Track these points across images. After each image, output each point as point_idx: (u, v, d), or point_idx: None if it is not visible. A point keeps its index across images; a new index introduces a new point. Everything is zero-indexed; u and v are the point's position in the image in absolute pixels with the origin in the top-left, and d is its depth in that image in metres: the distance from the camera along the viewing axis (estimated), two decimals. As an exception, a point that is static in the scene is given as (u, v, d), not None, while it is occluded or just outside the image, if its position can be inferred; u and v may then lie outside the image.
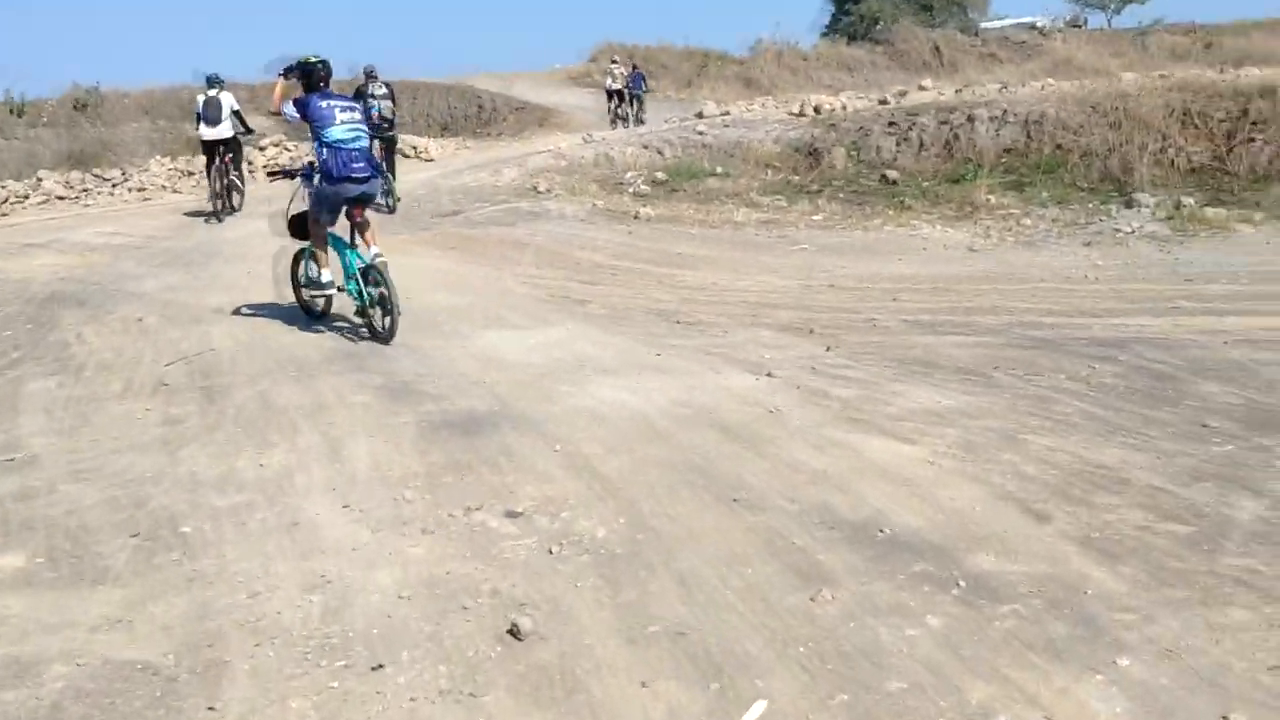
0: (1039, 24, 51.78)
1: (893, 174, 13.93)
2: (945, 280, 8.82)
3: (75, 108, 24.73)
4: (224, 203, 14.38)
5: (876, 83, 44.76)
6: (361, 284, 7.60)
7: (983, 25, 52.78)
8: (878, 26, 50.32)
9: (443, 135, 30.39)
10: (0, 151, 22.88)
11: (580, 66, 41.32)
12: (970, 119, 14.22)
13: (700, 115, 27.45)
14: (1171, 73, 20.37)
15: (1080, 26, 51.94)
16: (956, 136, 14.25)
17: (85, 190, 20.63)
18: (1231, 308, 6.96)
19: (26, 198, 19.95)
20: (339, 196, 7.40)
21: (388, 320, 7.44)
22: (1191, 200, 10.57)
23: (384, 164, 14.54)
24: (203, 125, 14.05)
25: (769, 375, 6.12)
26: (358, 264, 7.68)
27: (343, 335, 7.68)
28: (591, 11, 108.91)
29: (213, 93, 14.09)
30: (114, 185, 20.89)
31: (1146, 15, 55.98)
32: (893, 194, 13.22)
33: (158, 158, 22.79)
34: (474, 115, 33.47)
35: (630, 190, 14.74)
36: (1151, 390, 5.38)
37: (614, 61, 27.84)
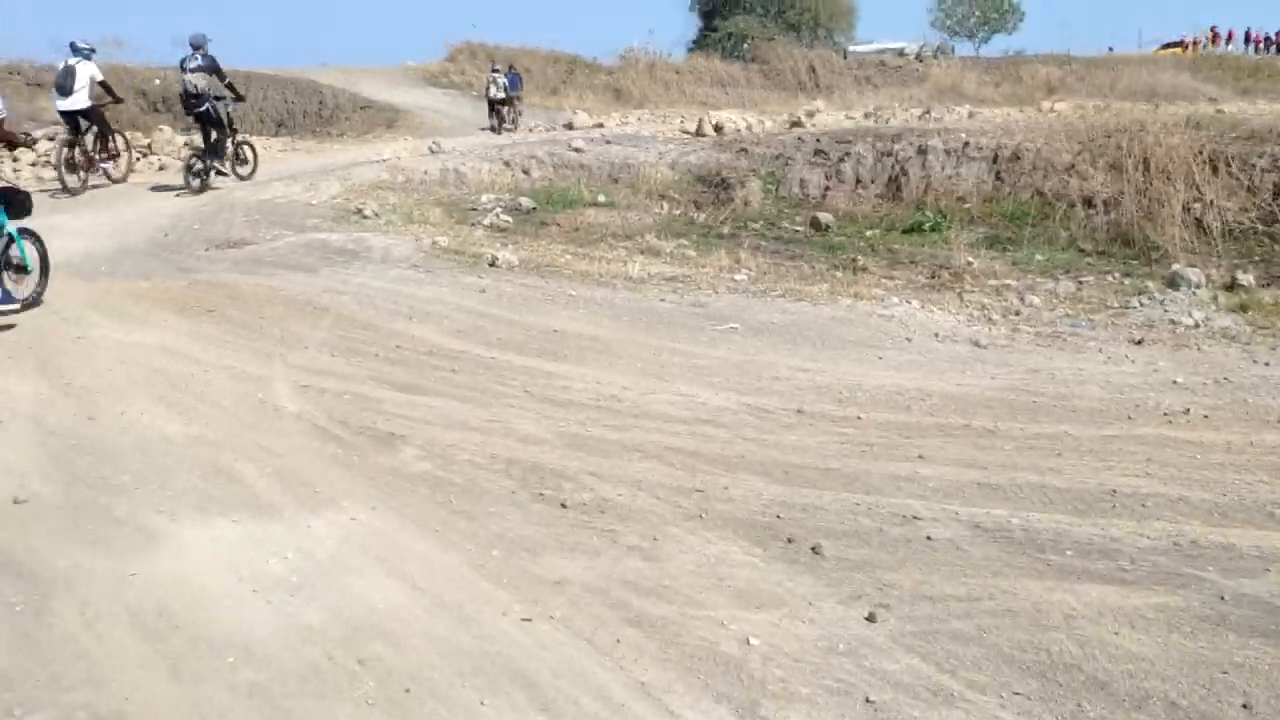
0: (907, 49, 50.99)
1: (825, 217, 10.83)
2: (974, 408, 5.64)
3: None
4: (79, 178, 13.22)
5: (751, 101, 42.79)
6: None
7: (850, 49, 51.88)
8: (745, 45, 48.82)
9: (278, 133, 26.28)
10: None
11: (437, 65, 37.43)
12: (922, 151, 11.26)
13: (570, 126, 24.17)
14: (1109, 103, 18.16)
15: (948, 54, 51.35)
16: (904, 173, 11.28)
17: None
18: None
19: None
20: None
21: None
22: (1250, 278, 7.80)
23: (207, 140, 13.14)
24: (57, 96, 13.37)
25: (779, 730, 2.72)
26: None
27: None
28: (450, 7, 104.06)
29: (72, 61, 13.06)
30: None
31: (1010, 45, 56.07)
32: (830, 245, 10.11)
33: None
34: (314, 112, 29.49)
35: (486, 222, 11.17)
36: None
37: (495, 70, 25.40)
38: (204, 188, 13.13)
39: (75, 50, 13.36)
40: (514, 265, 9.25)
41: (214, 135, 13.23)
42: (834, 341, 7.12)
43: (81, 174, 13.49)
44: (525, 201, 12.21)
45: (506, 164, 13.45)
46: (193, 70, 12.71)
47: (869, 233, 10.39)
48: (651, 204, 12.20)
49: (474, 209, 12.13)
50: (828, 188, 11.82)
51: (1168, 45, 48.95)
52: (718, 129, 15.15)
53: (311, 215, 11.69)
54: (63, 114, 13.57)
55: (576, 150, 13.65)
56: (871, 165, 11.59)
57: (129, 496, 4.23)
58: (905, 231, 10.25)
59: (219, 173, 13.41)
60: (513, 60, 34.16)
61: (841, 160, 11.86)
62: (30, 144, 13.24)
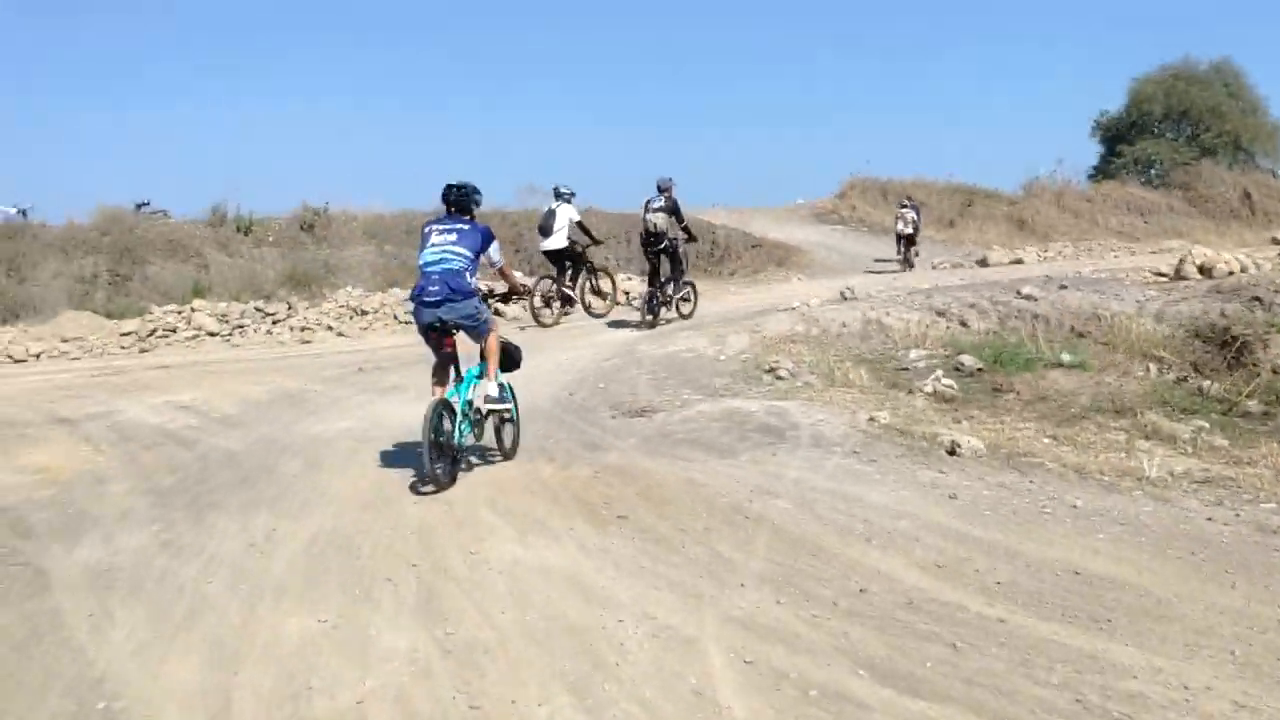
0: (1352, 173, 43.41)
1: None
2: None
3: (302, 228, 22.70)
4: (551, 312, 14.48)
5: (1176, 230, 38.12)
6: (439, 420, 6.30)
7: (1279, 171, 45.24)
8: (1152, 169, 44.01)
9: (675, 273, 26.55)
10: (224, 269, 20.94)
11: (828, 202, 36.66)
12: None
13: (984, 263, 21.93)
14: None
15: None
16: None
17: (240, 326, 17.40)
18: None
19: (175, 330, 17.01)
20: (418, 322, 6.64)
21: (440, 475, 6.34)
22: None
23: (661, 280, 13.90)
24: (541, 237, 14.65)
25: None
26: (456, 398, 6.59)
27: None
28: (844, 145, 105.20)
29: (554, 204, 14.39)
30: (275, 321, 17.65)
31: None
32: None
33: (348, 288, 19.63)
34: (706, 252, 29.62)
35: (926, 388, 9.24)
36: None
37: (903, 205, 24.46)
38: (655, 322, 13.79)
39: (558, 195, 14.48)
40: (980, 453, 7.21)
41: (665, 274, 13.83)
42: None
43: (554, 309, 14.56)
44: (967, 360, 10.17)
45: (940, 314, 11.53)
46: (654, 210, 13.27)
47: None
48: (1133, 365, 9.68)
49: (905, 369, 10.28)
50: (1396, 350, 8.71)
51: None
52: (1203, 271, 12.26)
53: (720, 373, 10.43)
54: (545, 253, 14.78)
55: (1027, 298, 11.44)
56: None
57: None
58: None
59: (672, 302, 14.19)
60: (908, 193, 32.67)
61: None
62: (528, 294, 14.02)
